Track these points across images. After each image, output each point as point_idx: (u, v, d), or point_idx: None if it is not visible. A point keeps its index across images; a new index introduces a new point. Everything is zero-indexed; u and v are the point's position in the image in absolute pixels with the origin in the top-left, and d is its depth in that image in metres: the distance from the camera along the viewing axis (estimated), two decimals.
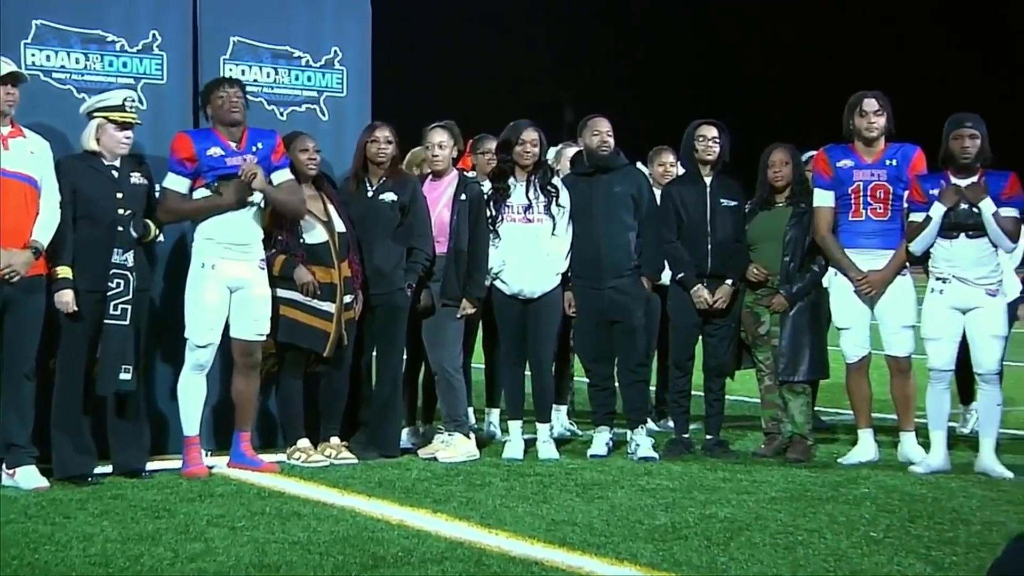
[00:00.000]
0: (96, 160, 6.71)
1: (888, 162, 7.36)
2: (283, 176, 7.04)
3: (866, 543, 5.36)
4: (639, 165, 8.36)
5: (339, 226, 7.28)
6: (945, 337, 7.11)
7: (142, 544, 5.23)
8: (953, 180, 7.04)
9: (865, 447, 7.39)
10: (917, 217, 7.11)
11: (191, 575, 4.82)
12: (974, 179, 7.02)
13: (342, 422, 7.46)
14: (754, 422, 8.30)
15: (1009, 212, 6.98)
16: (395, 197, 7.45)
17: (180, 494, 6.30)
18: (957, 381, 7.76)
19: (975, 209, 6.95)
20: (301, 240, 7.17)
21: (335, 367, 7.31)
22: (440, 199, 7.63)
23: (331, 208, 7.30)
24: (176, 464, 6.95)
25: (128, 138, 6.74)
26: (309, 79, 7.99)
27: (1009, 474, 6.90)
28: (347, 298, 7.23)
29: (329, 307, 7.16)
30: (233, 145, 6.93)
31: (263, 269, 7.02)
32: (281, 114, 7.89)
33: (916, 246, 7.13)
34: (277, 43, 7.90)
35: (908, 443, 7.37)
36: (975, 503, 6.24)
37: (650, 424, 8.17)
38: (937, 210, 7.00)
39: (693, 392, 7.88)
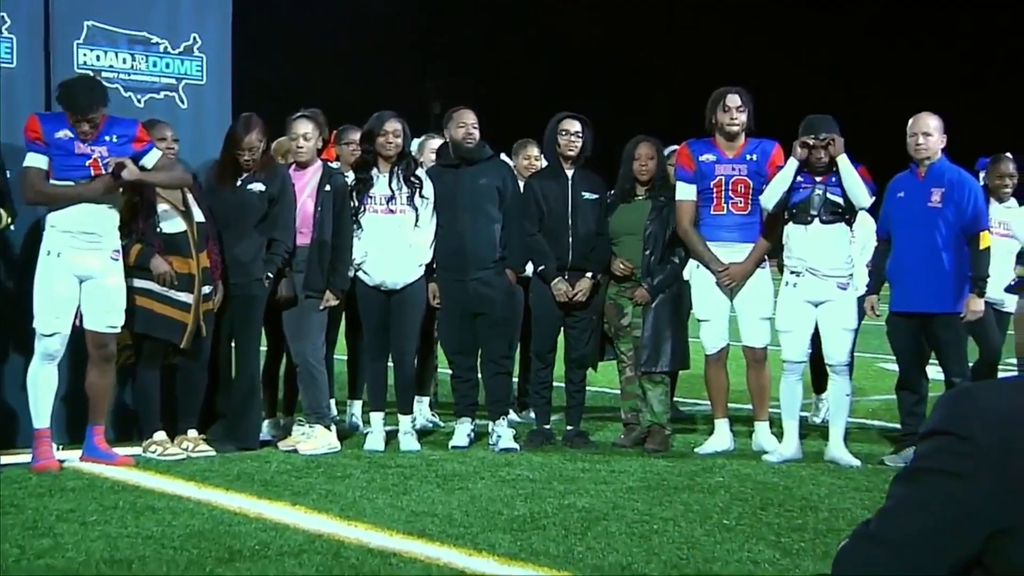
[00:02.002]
0: None
1: (749, 157, 7.51)
2: (154, 158, 6.87)
3: (719, 531, 5.48)
4: (504, 157, 8.41)
5: (198, 216, 7.16)
6: (798, 329, 7.30)
7: None
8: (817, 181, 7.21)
9: (721, 436, 7.54)
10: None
11: (38, 571, 4.71)
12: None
13: (201, 414, 7.35)
14: (615, 413, 8.40)
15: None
16: (263, 188, 7.36)
17: (29, 489, 6.13)
18: (810, 371, 7.98)
19: (829, 194, 7.13)
20: (158, 229, 7.04)
21: (192, 359, 7.20)
22: (304, 190, 7.55)
23: (190, 197, 7.18)
24: (25, 458, 6.76)
25: None
26: (167, 66, 7.85)
27: (856, 462, 7.11)
28: (205, 289, 7.12)
29: (186, 298, 7.04)
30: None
31: (116, 259, 6.85)
32: (139, 101, 7.73)
33: (767, 199, 7.27)
34: (134, 28, 7.74)
35: (762, 433, 7.55)
36: (824, 491, 6.42)
37: (512, 415, 8.22)
38: (791, 165, 7.18)
39: (555, 383, 7.96)
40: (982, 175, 7.74)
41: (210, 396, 7.45)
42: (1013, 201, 8.02)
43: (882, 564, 1.92)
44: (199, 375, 7.28)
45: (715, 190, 7.50)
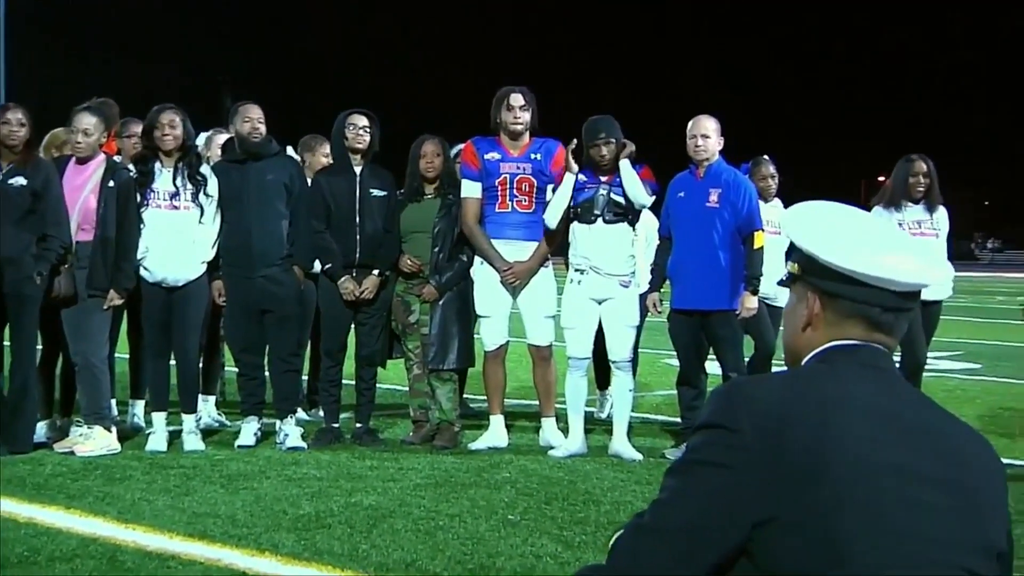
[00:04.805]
0: None
1: (533, 156, 7.62)
2: None
3: (503, 526, 5.54)
4: (291, 152, 8.32)
5: None
6: (582, 326, 7.44)
7: None
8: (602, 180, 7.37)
9: (495, 433, 7.63)
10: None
11: None
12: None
13: None
14: (404, 410, 8.40)
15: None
16: (25, 182, 7.07)
17: None
18: (594, 368, 8.12)
19: (612, 195, 7.30)
20: None
21: None
22: (86, 185, 7.30)
23: None
24: None
25: None
26: None
27: (638, 456, 7.29)
28: None
29: None
30: None
31: None
32: None
33: (548, 216, 7.42)
34: None
35: (548, 428, 7.66)
36: (607, 484, 6.56)
37: (301, 413, 8.14)
38: (568, 181, 7.32)
39: (345, 381, 7.90)
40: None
41: None
42: (777, 201, 8.39)
43: (653, 552, 1.97)
44: None
45: (500, 188, 7.59)
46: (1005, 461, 2.15)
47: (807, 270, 2.12)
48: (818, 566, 1.87)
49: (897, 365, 2.29)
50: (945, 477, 1.95)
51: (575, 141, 7.40)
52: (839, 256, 2.06)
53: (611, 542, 2.08)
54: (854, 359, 2.07)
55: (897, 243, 2.10)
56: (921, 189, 7.99)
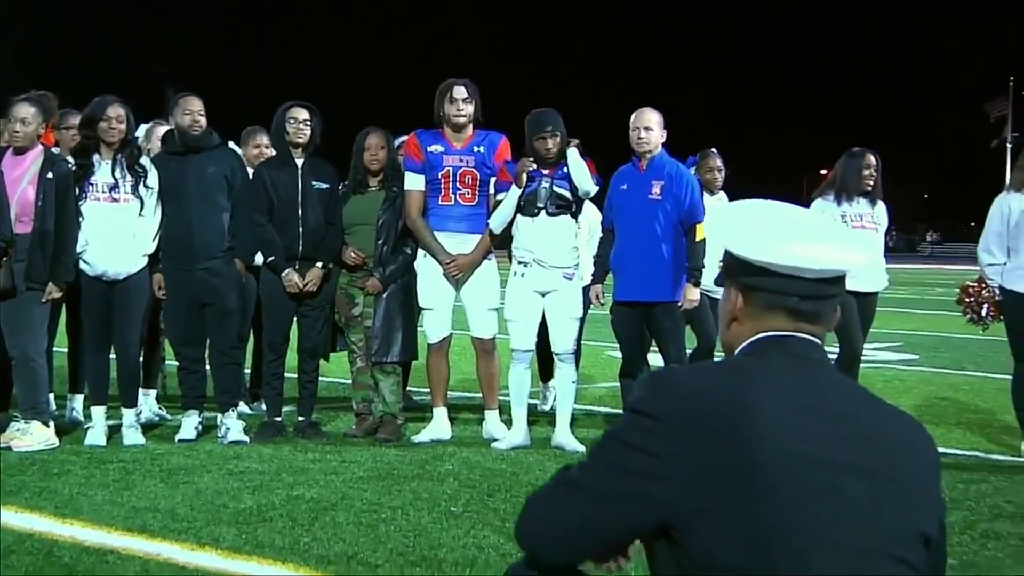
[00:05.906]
0: None
1: (476, 148, 7.62)
2: None
3: (446, 518, 5.54)
4: (232, 145, 8.25)
5: None
6: (525, 319, 7.46)
7: None
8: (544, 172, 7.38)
9: (438, 425, 7.63)
10: (502, 197, 7.43)
11: None
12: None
13: None
14: (347, 403, 8.37)
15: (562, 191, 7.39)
16: None
17: None
18: (538, 360, 8.13)
19: (555, 187, 7.32)
20: None
21: None
22: (24, 176, 7.20)
23: None
24: None
25: None
26: None
27: (581, 448, 7.29)
28: None
29: None
30: None
31: None
32: None
33: (494, 223, 7.45)
34: None
35: (492, 421, 7.67)
36: (549, 476, 6.46)
37: (243, 407, 8.09)
38: (514, 192, 7.33)
39: (287, 374, 7.86)
40: (692, 171, 8.08)
41: None
42: (722, 194, 8.45)
43: (570, 504, 2.02)
44: None
45: (443, 181, 7.59)
46: (940, 450, 2.17)
47: (728, 266, 2.16)
48: (746, 557, 1.89)
49: (834, 357, 2.32)
50: (871, 466, 1.97)
51: (533, 163, 7.37)
52: (746, 248, 2.09)
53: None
54: (782, 350, 2.09)
55: (810, 231, 2.10)
56: (870, 183, 8.09)
